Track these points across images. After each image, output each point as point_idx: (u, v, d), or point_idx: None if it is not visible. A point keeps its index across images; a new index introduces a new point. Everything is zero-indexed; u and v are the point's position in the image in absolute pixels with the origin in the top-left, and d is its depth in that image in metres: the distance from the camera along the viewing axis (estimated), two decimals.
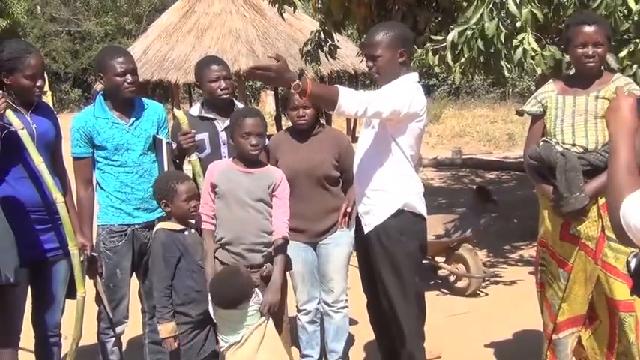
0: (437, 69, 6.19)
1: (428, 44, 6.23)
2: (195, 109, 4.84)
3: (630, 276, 2.36)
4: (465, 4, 5.97)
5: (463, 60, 5.55)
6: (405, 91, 4.01)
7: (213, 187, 4.24)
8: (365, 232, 4.22)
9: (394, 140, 4.07)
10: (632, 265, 2.31)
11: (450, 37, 5.61)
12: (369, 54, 4.15)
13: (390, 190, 4.12)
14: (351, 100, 3.73)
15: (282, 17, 8.66)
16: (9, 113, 3.98)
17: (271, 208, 4.21)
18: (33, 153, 4.07)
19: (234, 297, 3.97)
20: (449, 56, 5.69)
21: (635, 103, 2.33)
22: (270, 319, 4.12)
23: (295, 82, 3.61)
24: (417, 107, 4.03)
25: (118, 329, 4.67)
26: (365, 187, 4.19)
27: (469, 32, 5.29)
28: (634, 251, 2.32)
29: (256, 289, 4.04)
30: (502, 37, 5.27)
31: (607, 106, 2.43)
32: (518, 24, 5.43)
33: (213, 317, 4.07)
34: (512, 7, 5.24)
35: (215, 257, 4.18)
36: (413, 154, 4.16)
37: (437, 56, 6.08)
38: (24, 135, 4.04)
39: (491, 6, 5.23)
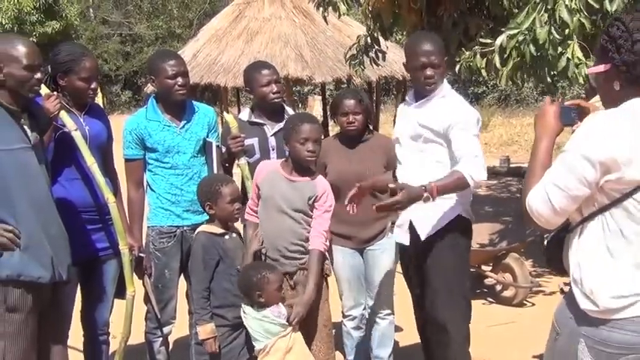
0: (483, 72, 6.12)
1: (476, 47, 6.17)
2: (245, 114, 4.87)
3: (544, 254, 2.92)
4: (516, 11, 5.91)
5: (511, 64, 5.50)
6: (475, 119, 4.15)
7: (258, 187, 4.26)
8: (422, 239, 4.21)
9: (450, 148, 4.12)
10: (545, 244, 2.87)
11: (498, 41, 5.56)
12: (432, 62, 4.13)
13: (452, 197, 4.15)
14: (470, 168, 3.90)
15: (326, 21, 8.63)
16: (63, 114, 4.05)
17: (311, 219, 4.16)
18: (85, 154, 4.13)
19: (240, 285, 4.01)
20: (497, 59, 5.64)
21: (558, 110, 2.73)
22: (299, 331, 4.06)
23: (425, 196, 3.80)
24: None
25: (166, 329, 4.73)
26: None
27: (520, 37, 5.23)
28: (548, 234, 2.84)
29: (280, 303, 4.00)
30: (553, 43, 5.21)
31: (537, 112, 2.85)
32: (567, 31, 5.36)
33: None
34: (565, 14, 5.18)
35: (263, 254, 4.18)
36: None
37: (484, 60, 6.03)
38: (77, 136, 4.11)
39: (543, 12, 5.18)
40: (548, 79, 5.57)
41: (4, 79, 3.57)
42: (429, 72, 4.13)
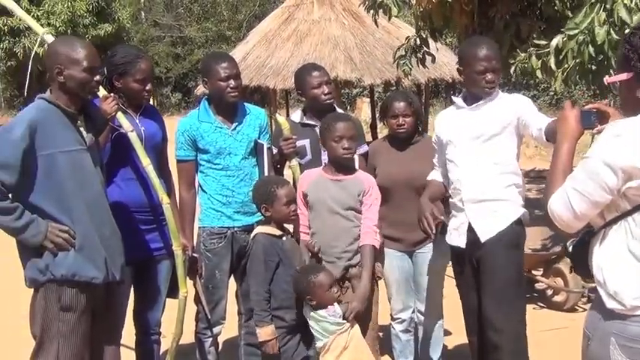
0: (539, 73, 6.04)
1: (531, 48, 6.10)
2: (297, 116, 4.89)
3: (569, 258, 2.91)
4: (569, 13, 5.84)
5: (567, 66, 5.43)
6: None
7: (305, 196, 4.28)
8: (482, 241, 4.23)
9: (511, 153, 4.23)
10: (570, 249, 2.86)
11: (554, 42, 5.49)
12: (493, 67, 4.21)
13: (511, 199, 4.24)
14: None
15: (376, 23, 8.60)
16: (119, 115, 4.11)
17: (361, 215, 4.20)
18: (141, 154, 4.19)
19: (294, 290, 4.06)
20: (552, 61, 5.57)
21: (579, 114, 2.77)
22: (357, 325, 4.10)
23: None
24: None
25: (215, 330, 4.75)
26: (480, 196, 4.24)
27: (580, 37, 5.16)
28: (573, 239, 2.83)
29: (335, 303, 4.04)
30: (612, 43, 5.14)
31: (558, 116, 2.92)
32: (626, 31, 5.27)
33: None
34: (624, 13, 5.10)
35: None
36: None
37: (540, 61, 5.96)
38: (133, 137, 4.17)
39: (601, 12, 5.10)
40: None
41: (64, 81, 3.64)
42: (489, 76, 4.20)
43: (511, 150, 4.26)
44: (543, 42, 5.90)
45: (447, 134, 4.41)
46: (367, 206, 4.20)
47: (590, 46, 5.16)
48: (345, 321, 4.02)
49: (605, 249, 2.63)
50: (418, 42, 8.19)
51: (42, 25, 4.39)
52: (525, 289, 4.33)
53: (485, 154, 4.23)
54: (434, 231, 4.37)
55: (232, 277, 4.78)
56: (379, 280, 4.48)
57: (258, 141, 4.68)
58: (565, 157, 2.74)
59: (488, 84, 4.21)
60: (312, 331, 4.06)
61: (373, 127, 17.64)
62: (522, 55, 6.13)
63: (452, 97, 4.74)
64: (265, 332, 4.08)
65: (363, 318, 4.17)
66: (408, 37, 8.41)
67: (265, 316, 4.08)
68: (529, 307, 6.70)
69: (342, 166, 4.24)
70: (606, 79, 2.82)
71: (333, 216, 4.16)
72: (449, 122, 4.44)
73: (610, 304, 2.60)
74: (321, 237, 4.22)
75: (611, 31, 5.14)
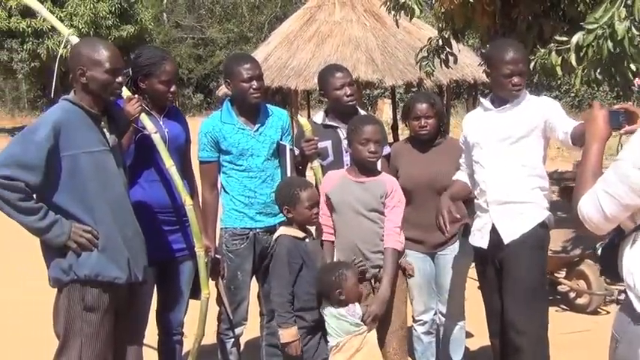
0: (558, 70, 5.99)
1: (551, 44, 6.06)
2: (319, 117, 4.89)
3: (599, 262, 2.89)
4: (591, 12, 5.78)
5: (586, 63, 5.39)
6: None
7: (328, 197, 4.28)
8: (505, 242, 4.24)
9: (537, 156, 4.26)
10: (599, 252, 2.87)
11: (574, 39, 5.45)
12: (520, 70, 4.23)
13: (537, 202, 4.26)
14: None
15: (397, 24, 8.58)
16: (143, 117, 4.13)
17: (385, 216, 4.20)
18: (165, 156, 4.21)
19: (319, 287, 4.06)
20: (573, 57, 5.53)
21: (607, 114, 2.76)
22: (374, 330, 4.09)
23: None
24: None
25: (237, 331, 4.77)
26: (506, 198, 4.27)
27: (599, 31, 5.12)
28: (602, 242, 2.83)
29: (356, 303, 4.04)
30: (632, 40, 5.09)
31: (585, 117, 2.89)
32: None
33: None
34: None
35: None
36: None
37: (560, 57, 5.92)
38: (156, 138, 4.19)
39: (622, 7, 5.06)
40: (630, 76, 5.42)
41: (87, 82, 3.67)
42: (516, 79, 4.22)
43: (538, 152, 4.28)
44: (564, 38, 5.85)
45: (474, 136, 4.41)
46: (390, 208, 4.20)
47: (609, 40, 5.12)
48: (362, 323, 4.02)
49: (636, 253, 2.61)
50: (440, 43, 8.16)
51: (65, 26, 4.41)
52: (548, 292, 4.30)
53: (512, 156, 4.25)
54: (448, 228, 4.37)
55: (254, 278, 4.79)
56: (410, 277, 4.48)
57: (281, 142, 4.69)
58: (594, 158, 2.73)
59: (514, 87, 4.23)
60: (328, 328, 4.06)
61: (394, 129, 17.61)
62: (542, 51, 6.07)
63: (480, 98, 4.73)
64: (289, 334, 4.07)
65: (381, 322, 4.16)
66: (430, 38, 8.38)
67: (289, 318, 4.08)
68: (551, 310, 6.68)
69: (365, 168, 4.25)
70: (637, 81, 2.80)
71: (358, 217, 4.17)
72: (476, 124, 4.45)
73: None
74: (345, 238, 4.22)
75: (632, 27, 5.10)
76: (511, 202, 4.25)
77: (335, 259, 4.24)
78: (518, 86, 4.23)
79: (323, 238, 4.30)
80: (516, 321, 4.23)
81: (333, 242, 4.29)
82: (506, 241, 4.24)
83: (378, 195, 4.18)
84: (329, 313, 4.04)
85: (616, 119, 2.80)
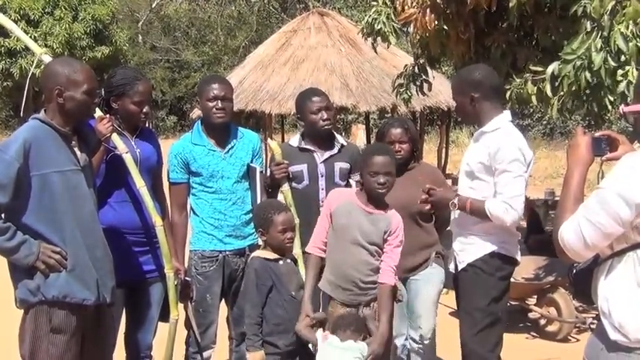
0: (534, 99, 6.04)
1: (527, 74, 6.12)
2: (295, 140, 4.87)
3: (572, 285, 2.95)
4: (565, 42, 5.84)
5: (562, 93, 5.44)
6: (519, 163, 4.15)
7: (331, 216, 4.16)
8: (459, 268, 4.37)
9: (490, 189, 4.23)
10: (573, 275, 2.89)
11: (550, 69, 5.51)
12: (453, 98, 4.48)
13: (491, 234, 4.27)
14: (496, 207, 4.11)
15: (375, 51, 8.63)
16: (114, 137, 4.11)
17: (383, 251, 4.08)
18: (136, 176, 4.17)
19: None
20: (548, 88, 5.59)
21: (590, 141, 2.78)
22: None
23: (452, 202, 4.32)
24: (528, 166, 4.24)
25: (205, 354, 4.71)
26: (465, 229, 4.35)
27: (578, 62, 5.19)
28: (576, 264, 2.85)
29: (364, 343, 3.91)
30: (608, 70, 5.16)
31: (569, 143, 2.89)
32: (622, 58, 5.28)
33: (312, 350, 3.99)
34: (620, 42, 5.12)
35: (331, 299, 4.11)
36: None
37: (535, 88, 5.98)
38: (128, 158, 4.15)
39: (598, 39, 5.13)
40: (608, 105, 5.47)
41: (64, 102, 3.63)
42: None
43: (490, 186, 4.23)
44: (540, 68, 5.91)
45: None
46: (391, 246, 4.08)
47: (586, 71, 5.17)
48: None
49: (612, 280, 2.62)
50: (417, 70, 8.22)
51: (39, 46, 4.37)
52: (501, 317, 4.32)
53: (476, 190, 4.29)
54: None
55: (223, 301, 4.75)
56: (399, 303, 4.45)
57: (251, 165, 4.67)
58: (576, 184, 2.75)
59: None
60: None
61: None
62: (518, 80, 6.13)
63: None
64: (254, 358, 4.03)
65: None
66: (407, 65, 8.43)
67: (256, 341, 4.04)
68: (521, 337, 6.72)
69: (373, 198, 4.11)
70: (622, 108, 2.81)
71: (356, 247, 4.04)
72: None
73: (614, 335, 2.57)
74: (336, 262, 4.12)
75: (608, 58, 5.16)
76: (466, 232, 4.34)
77: (324, 278, 4.14)
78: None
79: (311, 251, 4.18)
80: (464, 342, 4.35)
81: (322, 258, 4.15)
82: (459, 267, 4.37)
83: (382, 230, 4.06)
84: (332, 344, 3.89)
85: (599, 146, 2.81)
